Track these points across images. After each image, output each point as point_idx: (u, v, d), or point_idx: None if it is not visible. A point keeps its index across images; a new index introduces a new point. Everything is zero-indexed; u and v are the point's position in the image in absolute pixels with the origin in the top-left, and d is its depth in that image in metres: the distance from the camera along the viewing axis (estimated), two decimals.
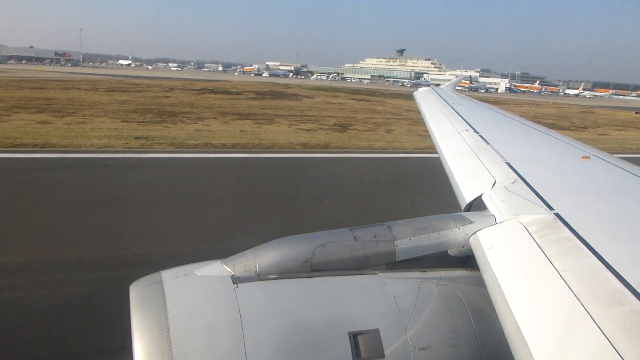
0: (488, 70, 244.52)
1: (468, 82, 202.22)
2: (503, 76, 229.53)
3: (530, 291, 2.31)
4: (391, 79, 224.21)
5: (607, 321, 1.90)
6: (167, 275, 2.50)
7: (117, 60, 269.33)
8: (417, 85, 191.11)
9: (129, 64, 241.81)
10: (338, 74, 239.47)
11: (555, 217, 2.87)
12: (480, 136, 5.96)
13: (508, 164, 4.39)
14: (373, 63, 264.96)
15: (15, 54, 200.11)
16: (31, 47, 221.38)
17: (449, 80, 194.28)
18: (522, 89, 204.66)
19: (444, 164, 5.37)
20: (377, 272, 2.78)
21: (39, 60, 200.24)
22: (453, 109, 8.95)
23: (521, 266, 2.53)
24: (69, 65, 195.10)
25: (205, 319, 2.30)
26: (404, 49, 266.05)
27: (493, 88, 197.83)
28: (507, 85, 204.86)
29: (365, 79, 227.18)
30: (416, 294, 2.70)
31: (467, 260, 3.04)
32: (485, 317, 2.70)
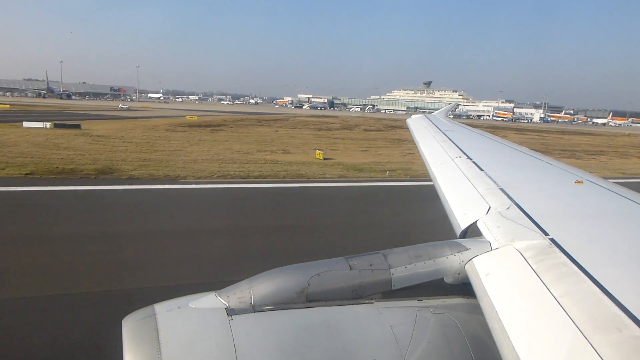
0: (511, 101, 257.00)
1: (510, 113, 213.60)
2: (535, 106, 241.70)
3: (528, 318, 2.30)
4: (427, 110, 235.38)
5: (606, 347, 1.88)
6: (160, 308, 2.46)
7: (147, 94, 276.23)
8: (461, 117, 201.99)
9: (159, 97, 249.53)
10: (373, 106, 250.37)
11: (551, 243, 2.88)
12: (474, 162, 6.00)
13: (502, 189, 4.43)
14: (401, 95, 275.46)
15: (73, 89, 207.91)
16: (84, 82, 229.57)
17: (483, 111, 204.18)
18: (556, 119, 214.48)
19: (438, 190, 5.42)
20: (373, 301, 2.76)
21: (97, 95, 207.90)
22: (446, 135, 9.05)
23: (518, 293, 2.53)
24: (129, 100, 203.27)
25: (200, 353, 2.27)
26: (431, 81, 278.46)
27: (528, 119, 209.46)
28: (542, 116, 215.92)
29: (401, 110, 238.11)
30: (413, 324, 2.69)
31: (463, 287, 2.99)
32: (483, 346, 2.67)
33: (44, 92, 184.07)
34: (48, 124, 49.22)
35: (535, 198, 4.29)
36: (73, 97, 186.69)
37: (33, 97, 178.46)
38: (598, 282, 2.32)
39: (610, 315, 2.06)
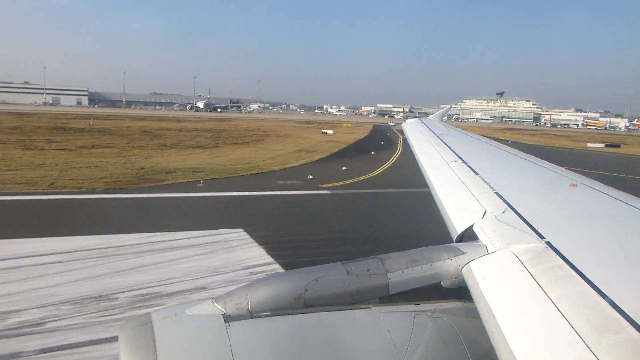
0: (580, 110, 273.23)
1: (602, 122, 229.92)
2: (612, 114, 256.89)
3: (525, 321, 2.32)
4: (514, 119, 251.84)
5: (603, 350, 1.89)
6: (157, 316, 2.46)
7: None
8: (556, 126, 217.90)
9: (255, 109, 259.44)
10: (458, 115, 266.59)
11: (547, 246, 2.90)
12: (469, 166, 6.05)
13: (497, 193, 4.45)
14: (473, 104, 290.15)
15: (186, 102, 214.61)
16: (199, 95, 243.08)
17: (569, 120, 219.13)
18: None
19: (434, 194, 5.44)
20: (370, 306, 2.77)
21: (223, 108, 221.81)
22: (441, 139, 9.17)
23: (515, 296, 2.55)
24: (256, 112, 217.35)
25: None
26: (503, 91, 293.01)
27: (616, 127, 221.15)
28: (627, 125, 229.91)
29: (485, 119, 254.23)
30: (411, 328, 2.70)
31: (460, 291, 3.01)
32: (481, 349, 2.68)
33: (196, 106, 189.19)
34: (600, 144, 64.52)
35: (530, 201, 4.31)
36: (220, 109, 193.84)
37: (178, 110, 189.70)
38: (594, 285, 2.34)
39: (607, 318, 2.07)
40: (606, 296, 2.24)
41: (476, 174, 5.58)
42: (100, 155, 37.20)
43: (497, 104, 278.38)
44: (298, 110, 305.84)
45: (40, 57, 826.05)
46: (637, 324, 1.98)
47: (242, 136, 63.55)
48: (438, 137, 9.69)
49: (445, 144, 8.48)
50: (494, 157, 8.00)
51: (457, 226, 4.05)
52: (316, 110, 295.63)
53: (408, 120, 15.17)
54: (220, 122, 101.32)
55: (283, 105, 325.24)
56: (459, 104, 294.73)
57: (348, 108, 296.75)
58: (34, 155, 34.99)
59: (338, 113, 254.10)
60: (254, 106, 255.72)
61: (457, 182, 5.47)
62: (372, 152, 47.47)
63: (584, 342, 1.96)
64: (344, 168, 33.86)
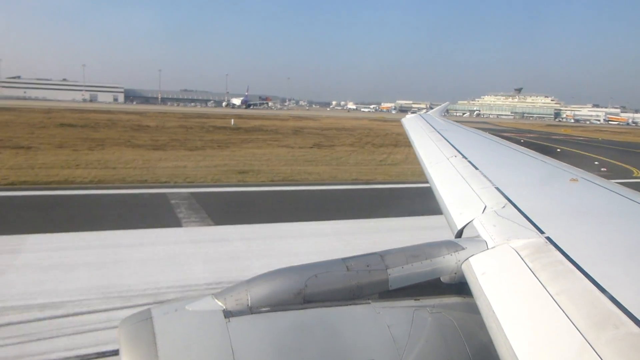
0: (597, 105, 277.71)
1: (624, 118, 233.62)
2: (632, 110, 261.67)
3: (524, 316, 2.33)
4: (534, 115, 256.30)
5: (603, 344, 1.90)
6: (156, 311, 2.48)
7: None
8: (579, 122, 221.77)
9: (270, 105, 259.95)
10: (479, 111, 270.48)
11: (547, 241, 2.91)
12: (469, 161, 6.04)
13: (497, 188, 4.46)
14: (492, 100, 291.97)
15: (216, 99, 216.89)
16: (228, 92, 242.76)
17: (590, 115, 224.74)
18: None
19: (434, 190, 5.45)
20: (370, 301, 2.78)
21: (253, 105, 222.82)
22: (441, 134, 9.15)
23: (514, 291, 2.55)
24: (286, 108, 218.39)
25: (197, 355, 2.29)
26: (522, 88, 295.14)
27: (635, 122, 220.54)
28: None
29: (505, 115, 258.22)
30: (410, 323, 2.72)
31: (460, 286, 3.03)
32: (480, 345, 2.70)
33: (232, 103, 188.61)
34: None
35: (530, 196, 4.32)
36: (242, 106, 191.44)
37: (212, 107, 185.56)
38: (594, 280, 2.35)
39: (607, 313, 2.08)
40: (606, 291, 2.25)
41: (476, 169, 5.59)
42: (355, 153, 41.23)
43: (516, 100, 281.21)
44: (313, 105, 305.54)
45: (75, 55, 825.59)
46: (637, 319, 2.00)
47: (375, 135, 66.06)
48: (438, 132, 9.71)
49: (445, 139, 8.49)
50: (494, 152, 8.03)
51: (457, 221, 4.06)
52: (333, 106, 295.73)
53: (408, 116, 15.16)
54: (297, 120, 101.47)
55: (293, 101, 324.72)
56: (477, 99, 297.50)
57: (357, 103, 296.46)
58: (319, 155, 39.17)
59: (367, 110, 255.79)
60: (270, 103, 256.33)
61: (457, 177, 5.48)
62: (558, 150, 49.56)
63: (584, 337, 1.98)
64: (602, 169, 35.48)
